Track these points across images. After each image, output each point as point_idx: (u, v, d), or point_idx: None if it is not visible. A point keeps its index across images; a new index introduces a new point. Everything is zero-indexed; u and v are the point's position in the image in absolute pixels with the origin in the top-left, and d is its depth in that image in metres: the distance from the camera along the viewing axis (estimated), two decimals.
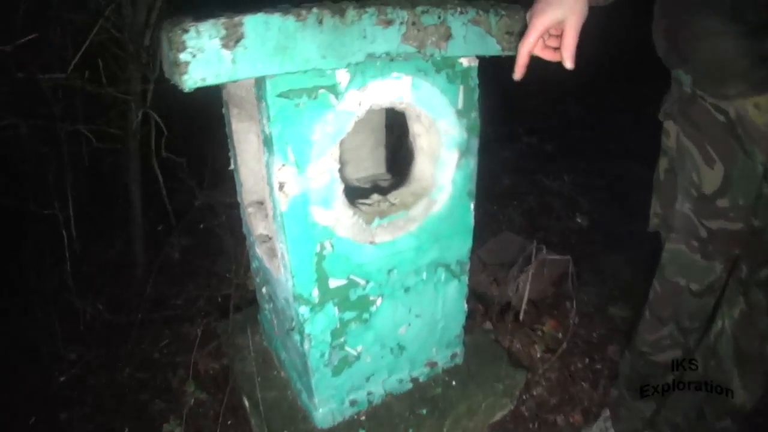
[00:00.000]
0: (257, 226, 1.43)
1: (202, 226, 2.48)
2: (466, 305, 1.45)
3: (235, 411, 1.88)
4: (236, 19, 0.83)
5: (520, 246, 1.87)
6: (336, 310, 1.22)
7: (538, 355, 1.71)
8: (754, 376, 1.21)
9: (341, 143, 1.09)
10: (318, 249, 1.12)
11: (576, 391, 1.65)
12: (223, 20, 0.82)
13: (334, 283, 1.18)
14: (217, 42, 0.83)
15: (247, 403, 1.60)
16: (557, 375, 1.68)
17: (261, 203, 1.48)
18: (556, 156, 3.31)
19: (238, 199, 1.51)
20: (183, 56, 0.82)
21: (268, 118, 0.97)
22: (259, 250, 1.41)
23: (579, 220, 2.41)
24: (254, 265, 1.56)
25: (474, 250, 1.40)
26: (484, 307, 1.75)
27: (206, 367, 2.17)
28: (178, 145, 2.55)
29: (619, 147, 3.33)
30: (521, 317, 1.65)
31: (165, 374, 2.27)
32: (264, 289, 1.50)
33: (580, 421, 1.59)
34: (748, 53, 0.95)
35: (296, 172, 1.03)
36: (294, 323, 1.25)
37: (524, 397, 1.63)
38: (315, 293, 1.17)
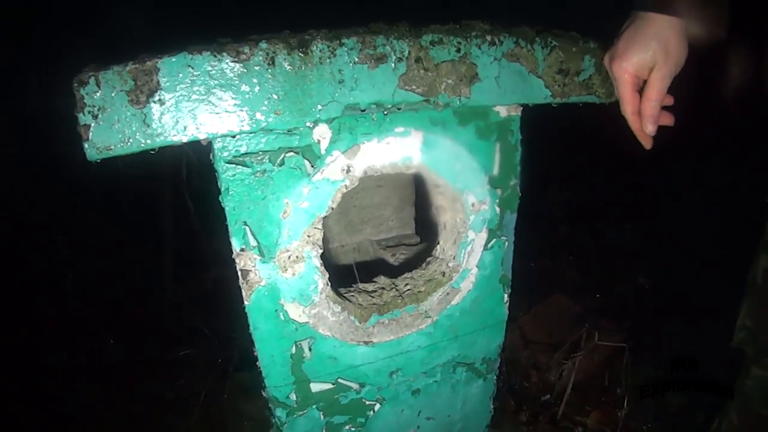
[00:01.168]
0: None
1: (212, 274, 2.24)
2: (492, 405, 1.08)
3: None
4: (148, 63, 0.52)
5: (571, 316, 1.44)
6: (321, 414, 0.89)
7: None
8: None
9: (331, 216, 0.77)
10: (294, 351, 0.80)
11: None
12: (130, 66, 0.52)
13: (317, 387, 0.85)
14: (122, 96, 0.53)
15: None
16: None
17: None
18: (620, 199, 2.76)
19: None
20: (82, 118, 0.53)
21: (220, 189, 0.67)
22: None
23: (641, 281, 1.92)
24: (249, 332, 1.26)
25: (516, 317, 1.03)
26: (518, 398, 1.34)
27: (217, 412, 1.93)
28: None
29: (696, 193, 2.69)
30: (561, 412, 1.24)
31: (174, 417, 2.06)
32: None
33: None
34: None
35: (260, 260, 0.71)
36: (274, 421, 0.94)
37: None
38: (293, 397, 0.85)
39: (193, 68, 0.54)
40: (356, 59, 0.58)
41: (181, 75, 0.54)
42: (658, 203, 2.41)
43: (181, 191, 2.27)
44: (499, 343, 0.98)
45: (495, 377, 1.05)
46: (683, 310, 1.81)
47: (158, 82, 0.53)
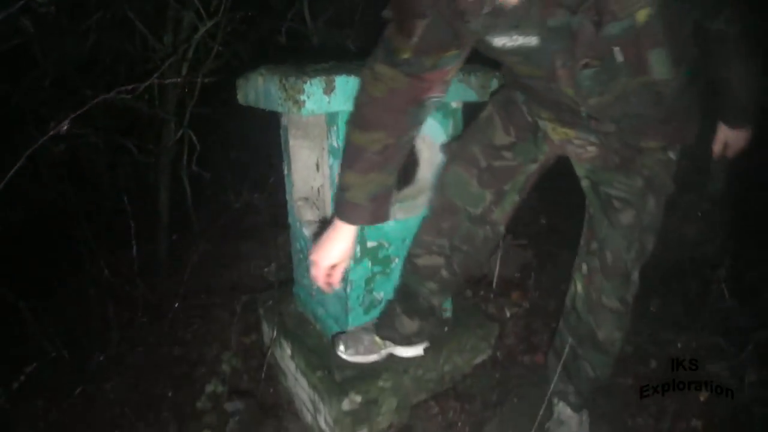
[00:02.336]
0: (305, 214, 2.03)
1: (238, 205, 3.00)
2: None
3: (270, 374, 2.35)
4: (331, 77, 1.47)
5: None
6: (369, 263, 1.81)
7: (507, 316, 2.33)
8: (605, 320, 1.57)
9: None
10: None
11: (536, 340, 2.25)
12: (324, 77, 1.47)
13: (369, 244, 1.77)
14: (320, 89, 1.47)
15: (290, 349, 2.13)
16: (521, 329, 2.30)
17: (307, 199, 2.08)
18: None
19: (287, 197, 2.11)
20: (302, 97, 1.44)
21: (338, 136, 1.61)
22: (307, 231, 2.00)
23: (543, 221, 3.09)
24: (297, 245, 2.14)
25: None
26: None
27: (239, 341, 2.59)
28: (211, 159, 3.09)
29: None
30: (494, 286, 2.28)
31: (200, 350, 2.67)
32: (308, 261, 2.08)
33: (541, 360, 2.14)
34: (554, 101, 1.34)
35: None
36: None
37: (498, 345, 2.21)
38: (357, 250, 1.77)
39: (347, 81, 1.49)
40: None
41: (342, 83, 1.49)
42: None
43: (180, 174, 3.00)
44: None
45: None
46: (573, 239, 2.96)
47: (335, 85, 1.48)
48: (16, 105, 2.33)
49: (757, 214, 2.69)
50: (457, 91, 1.71)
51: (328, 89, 1.47)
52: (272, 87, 1.55)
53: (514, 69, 1.34)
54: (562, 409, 1.83)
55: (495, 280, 2.33)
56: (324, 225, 1.94)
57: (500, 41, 1.19)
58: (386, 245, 1.83)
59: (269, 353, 2.28)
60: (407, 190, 1.88)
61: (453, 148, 1.65)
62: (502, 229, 1.67)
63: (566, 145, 1.46)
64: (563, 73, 1.21)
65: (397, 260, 1.88)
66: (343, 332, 1.90)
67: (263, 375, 2.15)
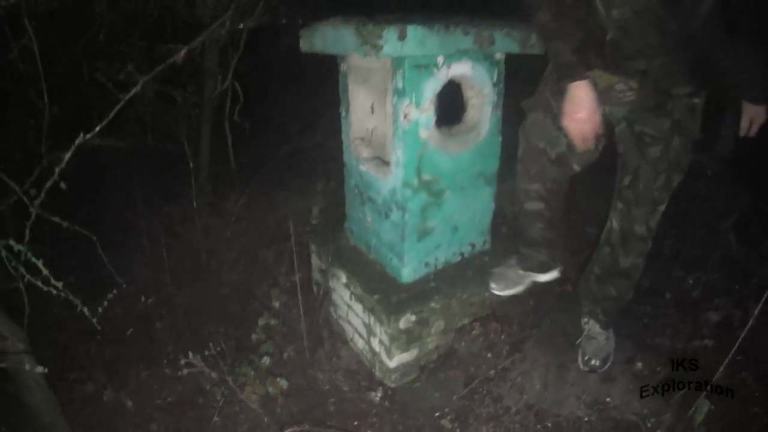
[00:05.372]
0: (362, 152, 2.60)
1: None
2: (493, 205, 2.68)
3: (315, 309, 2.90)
4: (404, 26, 2.03)
5: None
6: (425, 194, 2.39)
7: None
8: (633, 248, 2.09)
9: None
10: (420, 152, 2.31)
11: (565, 273, 2.87)
12: (398, 25, 2.03)
13: (425, 177, 2.35)
14: (395, 36, 2.02)
15: (345, 278, 2.71)
16: None
17: (362, 138, 2.66)
18: None
19: (343, 137, 2.69)
20: (380, 42, 1.99)
21: (404, 78, 2.17)
22: (364, 167, 2.59)
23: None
24: (352, 182, 2.72)
25: None
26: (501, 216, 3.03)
27: (285, 281, 3.15)
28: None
29: None
30: None
31: (248, 288, 3.24)
32: (363, 195, 2.67)
33: (570, 290, 2.73)
34: (583, 24, 1.74)
35: (414, 108, 2.22)
36: (398, 204, 2.43)
37: None
38: (415, 182, 2.34)
39: (416, 30, 2.05)
40: (461, 33, 2.15)
41: (413, 32, 2.03)
42: None
43: (222, 120, 3.56)
44: (497, 165, 2.59)
45: (494, 189, 2.65)
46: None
47: (406, 33, 2.02)
48: (76, 58, 2.86)
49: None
50: (502, 43, 2.29)
51: (401, 36, 2.01)
52: (346, 34, 2.11)
53: None
54: (592, 327, 2.44)
55: None
56: (377, 162, 2.55)
57: None
58: (440, 179, 2.41)
59: (323, 284, 2.88)
60: (457, 128, 2.47)
61: (529, 102, 2.12)
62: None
63: (610, 92, 1.87)
64: None
65: (448, 192, 2.47)
66: (491, 273, 2.57)
67: (319, 302, 2.73)
